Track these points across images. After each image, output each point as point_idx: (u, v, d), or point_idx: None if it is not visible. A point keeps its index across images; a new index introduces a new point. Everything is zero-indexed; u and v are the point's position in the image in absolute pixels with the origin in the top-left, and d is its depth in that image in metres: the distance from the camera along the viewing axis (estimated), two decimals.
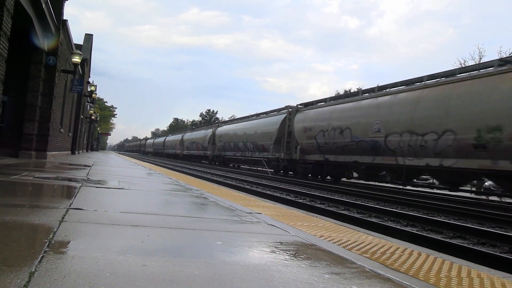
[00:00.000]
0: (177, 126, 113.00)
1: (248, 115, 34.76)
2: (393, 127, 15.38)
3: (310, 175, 22.28)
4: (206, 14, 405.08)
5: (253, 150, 28.59)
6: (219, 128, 38.03)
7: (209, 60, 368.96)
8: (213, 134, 38.06)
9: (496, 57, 25.94)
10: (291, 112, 24.19)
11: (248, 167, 32.21)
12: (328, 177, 21.61)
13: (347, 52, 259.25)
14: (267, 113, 29.96)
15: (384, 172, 18.48)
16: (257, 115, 31.69)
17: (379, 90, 17.68)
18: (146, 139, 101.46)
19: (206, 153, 40.48)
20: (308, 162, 21.65)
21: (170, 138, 63.31)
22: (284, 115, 24.82)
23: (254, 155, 28.53)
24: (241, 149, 31.04)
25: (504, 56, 22.03)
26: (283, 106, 25.07)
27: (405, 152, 14.86)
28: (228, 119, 53.43)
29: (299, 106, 24.19)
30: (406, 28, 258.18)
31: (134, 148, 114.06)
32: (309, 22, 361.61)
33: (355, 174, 22.03)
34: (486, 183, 18.82)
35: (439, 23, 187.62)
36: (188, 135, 49.70)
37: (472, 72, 13.40)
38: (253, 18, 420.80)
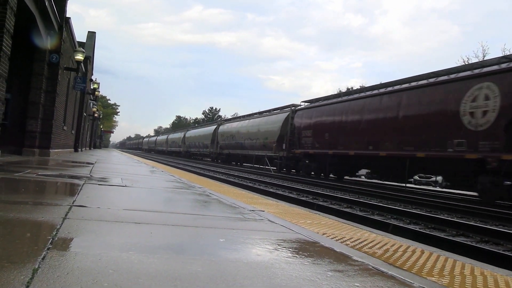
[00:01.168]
0: (179, 124, 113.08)
1: (201, 124, 58.35)
2: (246, 136, 32.43)
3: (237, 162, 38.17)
4: (210, 12, 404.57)
5: (202, 147, 45.87)
6: (188, 132, 55.71)
7: (212, 58, 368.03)
8: (184, 136, 54.98)
9: (500, 54, 26.10)
10: (219, 124, 42.36)
11: (200, 157, 50.55)
12: (234, 162, 38.07)
13: (351, 50, 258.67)
14: (210, 123, 53.39)
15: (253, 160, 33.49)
16: (207, 125, 54.46)
17: (248, 116, 36.84)
18: (142, 138, 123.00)
19: (180, 150, 56.82)
20: (224, 154, 39.00)
21: (160, 138, 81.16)
22: (215, 125, 42.86)
23: (202, 150, 46.52)
24: (196, 146, 48.76)
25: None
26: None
27: (250, 148, 31.64)
28: (195, 125, 71.99)
29: (222, 121, 45.81)
30: (410, 26, 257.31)
31: (134, 146, 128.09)
32: (312, 20, 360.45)
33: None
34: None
35: (443, 21, 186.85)
36: (171, 136, 66.58)
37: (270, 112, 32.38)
38: (257, 16, 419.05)
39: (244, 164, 35.51)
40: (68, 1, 13.71)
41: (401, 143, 15.77)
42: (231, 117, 42.97)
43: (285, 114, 26.62)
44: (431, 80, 15.46)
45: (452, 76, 14.48)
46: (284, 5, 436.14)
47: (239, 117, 40.23)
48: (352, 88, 52.17)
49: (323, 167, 21.75)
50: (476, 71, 13.62)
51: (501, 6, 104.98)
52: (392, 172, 17.88)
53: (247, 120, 34.23)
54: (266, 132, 28.40)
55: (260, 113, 33.29)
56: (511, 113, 11.83)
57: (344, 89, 53.45)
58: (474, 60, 33.55)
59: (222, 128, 39.40)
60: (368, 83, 54.72)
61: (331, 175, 22.39)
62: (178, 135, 60.14)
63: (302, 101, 27.39)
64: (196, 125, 74.28)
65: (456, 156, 13.30)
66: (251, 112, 39.46)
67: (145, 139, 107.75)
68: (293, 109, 26.01)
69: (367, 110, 17.89)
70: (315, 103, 23.79)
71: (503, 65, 12.78)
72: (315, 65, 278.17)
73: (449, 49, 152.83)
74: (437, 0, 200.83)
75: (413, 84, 16.33)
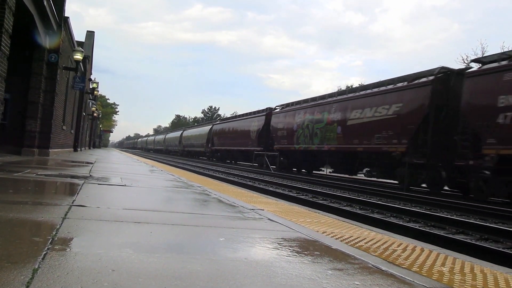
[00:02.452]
0: (179, 122, 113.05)
1: (175, 129, 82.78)
2: (194, 138, 50.23)
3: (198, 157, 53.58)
4: (210, 10, 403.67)
5: (174, 146, 62.13)
6: (167, 135, 73.36)
7: (212, 57, 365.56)
8: (165, 137, 72.76)
9: (499, 51, 26.53)
10: (183, 129, 60.07)
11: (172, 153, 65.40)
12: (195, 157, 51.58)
13: (351, 48, 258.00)
14: (179, 129, 69.95)
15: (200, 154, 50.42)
16: (178, 130, 70.29)
17: (198, 125, 63.78)
18: (138, 138, 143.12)
19: (162, 148, 73.62)
20: (186, 151, 54.22)
21: (150, 138, 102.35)
22: (182, 131, 60.44)
23: (174, 148, 62.31)
24: (172, 146, 65.04)
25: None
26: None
27: (196, 146, 48.91)
28: (174, 129, 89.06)
29: (186, 128, 63.17)
30: (410, 24, 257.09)
31: (130, 145, 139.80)
32: (313, 18, 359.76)
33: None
34: None
35: (443, 19, 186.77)
36: (157, 137, 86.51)
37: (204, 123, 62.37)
38: (257, 14, 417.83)
39: (200, 157, 49.73)
40: (67, 0, 13.69)
41: (236, 144, 33.81)
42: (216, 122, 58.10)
43: (210, 126, 45.10)
44: (248, 116, 32.96)
45: (252, 115, 32.24)
46: (284, 3, 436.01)
47: (194, 125, 66.32)
48: (352, 85, 53.71)
49: (226, 157, 39.41)
50: (258, 114, 31.21)
51: (501, 4, 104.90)
52: (240, 158, 36.02)
53: (196, 128, 54.18)
54: (202, 136, 46.17)
55: (207, 123, 54.03)
56: (259, 131, 29.37)
57: (344, 87, 55.19)
58: (473, 57, 36.43)
59: (185, 133, 57.58)
60: (368, 81, 56.39)
61: (233, 161, 38.65)
62: (162, 136, 79.75)
63: (219, 119, 47.38)
64: (175, 129, 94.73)
65: (248, 150, 31.02)
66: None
67: (139, 139, 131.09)
68: (213, 123, 45.50)
69: (233, 126, 36.02)
70: (220, 121, 44.59)
71: (260, 113, 30.81)
72: (315, 63, 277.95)
73: (449, 47, 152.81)
74: None
75: (242, 117, 34.55)
